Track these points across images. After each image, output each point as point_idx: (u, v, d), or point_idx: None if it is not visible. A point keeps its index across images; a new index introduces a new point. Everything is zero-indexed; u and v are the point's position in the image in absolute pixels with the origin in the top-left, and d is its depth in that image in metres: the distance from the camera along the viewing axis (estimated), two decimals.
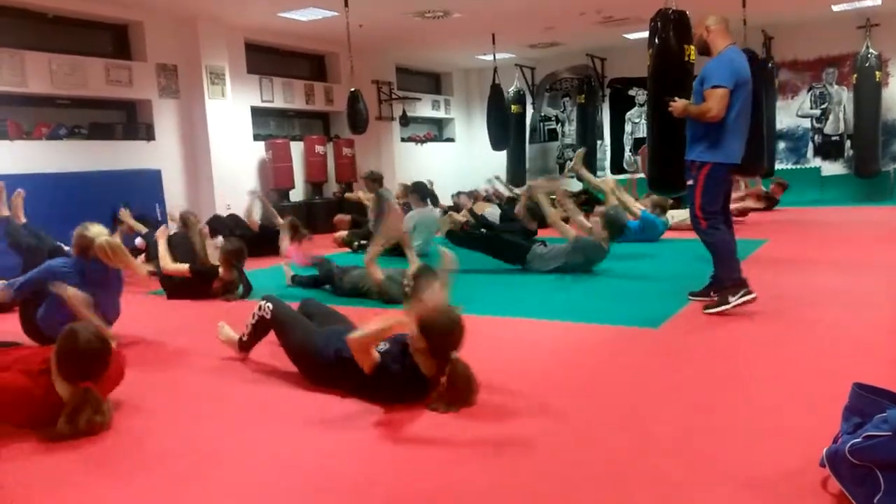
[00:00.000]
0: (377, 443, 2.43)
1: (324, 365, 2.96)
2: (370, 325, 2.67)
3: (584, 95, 12.11)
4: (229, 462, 2.33)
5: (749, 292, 3.99)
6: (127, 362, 2.98)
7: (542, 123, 13.90)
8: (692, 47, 4.33)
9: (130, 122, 8.64)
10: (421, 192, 7.63)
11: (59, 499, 2.11)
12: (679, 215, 7.76)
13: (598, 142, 12.60)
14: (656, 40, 4.42)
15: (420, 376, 2.72)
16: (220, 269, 5.26)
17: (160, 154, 8.61)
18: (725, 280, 4.08)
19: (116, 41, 8.58)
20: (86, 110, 8.23)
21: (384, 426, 2.56)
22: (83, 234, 3.72)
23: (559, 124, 13.75)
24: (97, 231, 3.72)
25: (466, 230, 6.55)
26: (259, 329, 3.37)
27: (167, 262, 5.26)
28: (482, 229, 7.45)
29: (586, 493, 1.99)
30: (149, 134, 8.57)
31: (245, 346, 3.49)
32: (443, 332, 2.68)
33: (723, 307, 3.99)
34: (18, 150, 7.31)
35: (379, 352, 2.75)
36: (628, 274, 5.63)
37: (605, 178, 7.27)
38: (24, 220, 5.45)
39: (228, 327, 3.63)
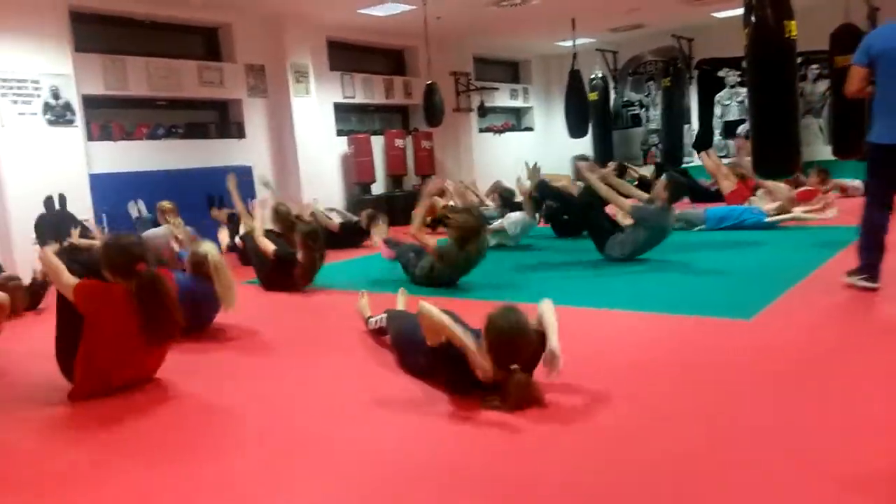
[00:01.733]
0: (461, 430, 2.50)
1: (416, 351, 3.04)
2: (446, 320, 2.69)
3: (669, 78, 11.82)
4: (318, 446, 2.46)
5: (871, 280, 3.90)
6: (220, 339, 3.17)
7: (624, 109, 13.64)
8: (793, 23, 4.16)
9: (223, 121, 9.03)
10: (505, 200, 7.75)
11: (163, 472, 2.29)
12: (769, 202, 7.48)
13: (686, 126, 12.30)
14: (752, 17, 4.25)
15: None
16: (299, 255, 5.37)
17: (250, 151, 8.98)
18: (860, 260, 4.03)
19: (208, 44, 8.98)
20: (181, 111, 8.67)
21: (467, 413, 2.62)
22: (200, 257, 3.97)
23: (643, 109, 13.46)
24: (208, 248, 3.99)
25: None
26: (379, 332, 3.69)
27: (260, 236, 5.49)
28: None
29: (671, 487, 2.00)
30: (240, 132, 8.94)
31: (368, 325, 3.82)
32: (500, 337, 2.59)
33: (851, 279, 3.99)
34: (121, 149, 7.77)
35: None
36: (721, 262, 5.43)
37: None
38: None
39: (367, 301, 3.98)
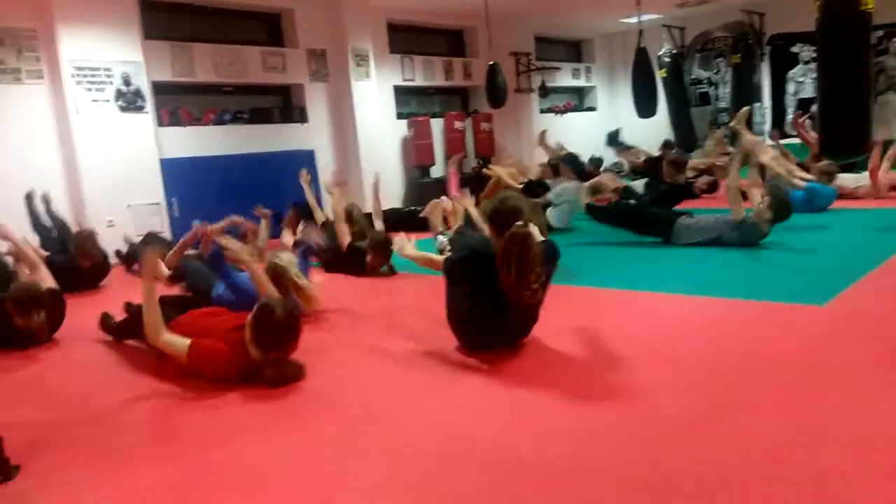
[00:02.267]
0: (526, 412, 2.51)
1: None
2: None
3: (739, 55, 11.41)
4: (387, 421, 2.52)
5: None
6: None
7: (692, 87, 13.24)
8: None
9: (286, 105, 9.17)
10: (573, 164, 7.57)
11: (253, 441, 2.36)
12: (849, 180, 7.20)
13: (757, 104, 11.87)
14: None
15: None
16: (369, 257, 5.42)
17: (312, 135, 9.10)
18: None
19: (271, 30, 9.10)
20: (246, 96, 8.84)
21: (534, 396, 2.64)
22: (275, 264, 3.91)
23: (712, 87, 13.03)
24: (287, 260, 3.99)
25: (612, 204, 6.34)
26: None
27: (340, 222, 5.60)
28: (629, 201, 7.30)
29: (738, 477, 1.95)
30: (302, 116, 9.07)
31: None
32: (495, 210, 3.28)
33: None
34: (190, 135, 7.98)
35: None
36: (790, 246, 5.23)
37: (765, 148, 6.67)
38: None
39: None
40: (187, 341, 2.97)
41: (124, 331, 3.78)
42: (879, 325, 3.22)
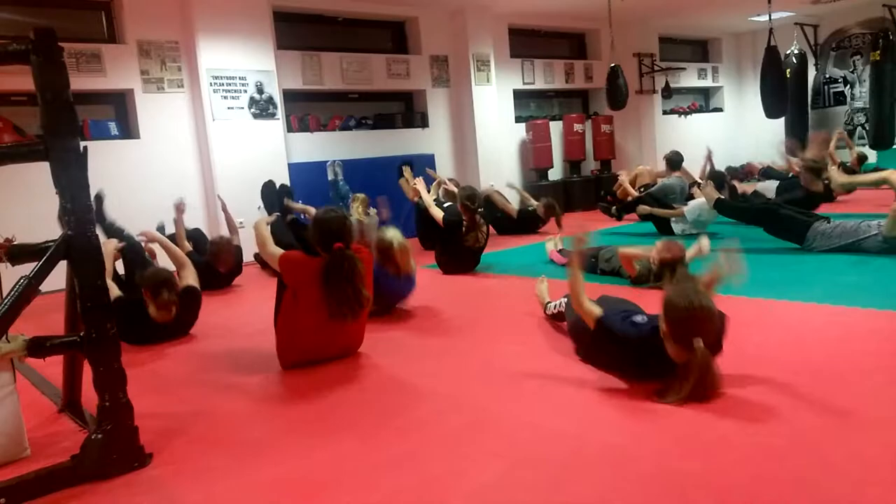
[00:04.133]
0: (636, 421, 2.46)
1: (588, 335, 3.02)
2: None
3: (878, 52, 10.68)
4: (494, 426, 2.53)
5: None
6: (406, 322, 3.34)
7: (826, 86, 12.52)
8: None
9: (408, 111, 9.41)
10: (718, 181, 7.30)
11: (368, 440, 2.44)
12: None
13: None
14: None
15: (658, 352, 2.62)
16: (463, 217, 5.63)
17: (433, 140, 9.30)
18: None
19: (395, 37, 9.38)
20: (371, 103, 9.14)
21: (644, 404, 2.57)
22: (382, 238, 4.29)
23: (847, 86, 12.28)
24: (393, 235, 4.28)
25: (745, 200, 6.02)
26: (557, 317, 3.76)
27: (431, 205, 5.84)
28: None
29: (870, 494, 1.85)
30: (423, 122, 9.28)
31: (546, 311, 3.88)
32: (678, 315, 2.53)
33: None
34: (317, 140, 8.35)
35: (636, 322, 2.79)
36: None
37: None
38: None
39: (546, 286, 4.05)
40: (281, 250, 3.38)
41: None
42: None
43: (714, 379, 2.55)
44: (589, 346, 3.07)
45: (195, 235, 6.29)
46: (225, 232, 6.29)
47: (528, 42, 10.69)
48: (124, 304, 4.04)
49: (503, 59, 10.00)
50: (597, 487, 2.03)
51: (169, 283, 4.14)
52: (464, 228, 5.65)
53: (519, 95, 10.52)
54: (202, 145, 7.37)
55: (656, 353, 2.65)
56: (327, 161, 7.96)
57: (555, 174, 10.68)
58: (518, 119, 10.51)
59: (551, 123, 10.47)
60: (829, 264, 4.89)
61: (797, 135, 11.02)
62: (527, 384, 2.97)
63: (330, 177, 7.88)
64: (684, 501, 1.92)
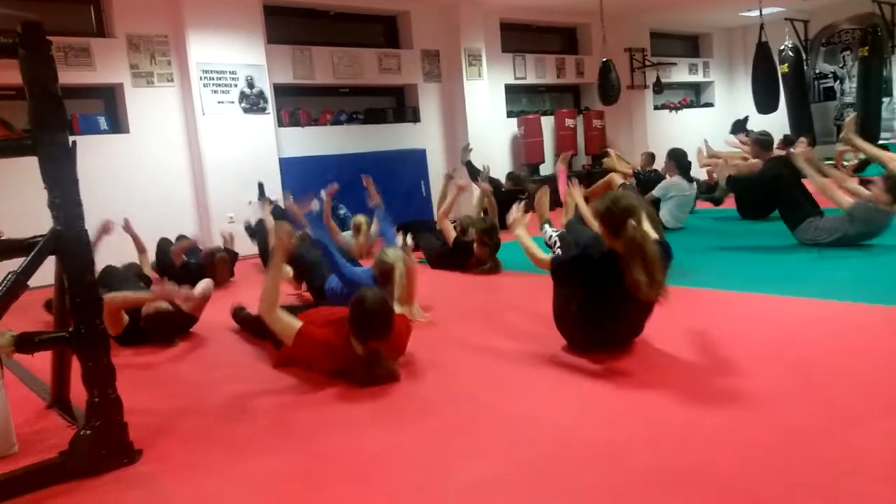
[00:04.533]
0: (632, 414, 2.46)
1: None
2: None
3: (866, 47, 10.75)
4: (488, 420, 2.53)
5: None
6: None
7: (816, 81, 12.56)
8: None
9: (399, 106, 9.39)
10: (679, 161, 7.32)
11: (363, 435, 2.44)
12: None
13: (886, 99, 11.13)
14: None
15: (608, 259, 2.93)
16: (475, 247, 5.46)
17: (424, 134, 9.28)
18: None
19: (387, 32, 9.35)
20: (362, 97, 9.12)
21: (640, 396, 2.58)
22: (383, 261, 3.92)
23: (837, 81, 12.33)
24: (395, 255, 3.94)
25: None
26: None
27: (444, 218, 5.71)
28: None
29: (853, 488, 1.86)
30: (415, 116, 9.27)
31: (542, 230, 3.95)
32: (607, 213, 2.94)
33: None
34: (308, 134, 8.32)
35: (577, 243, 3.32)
36: None
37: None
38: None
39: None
40: (299, 323, 3.07)
41: (249, 324, 4.00)
42: None
43: (652, 250, 2.81)
44: (561, 305, 3.21)
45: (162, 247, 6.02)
46: (217, 239, 6.20)
47: (519, 37, 10.68)
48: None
49: (495, 53, 9.98)
50: (589, 482, 2.03)
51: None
52: (473, 260, 5.48)
53: (510, 90, 10.51)
54: (192, 140, 7.33)
55: (605, 262, 2.94)
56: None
57: (546, 169, 10.68)
58: (510, 114, 10.51)
59: (543, 118, 10.48)
60: (815, 259, 4.92)
61: (800, 130, 11.06)
62: (519, 379, 2.97)
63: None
64: (678, 496, 1.92)
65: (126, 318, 3.87)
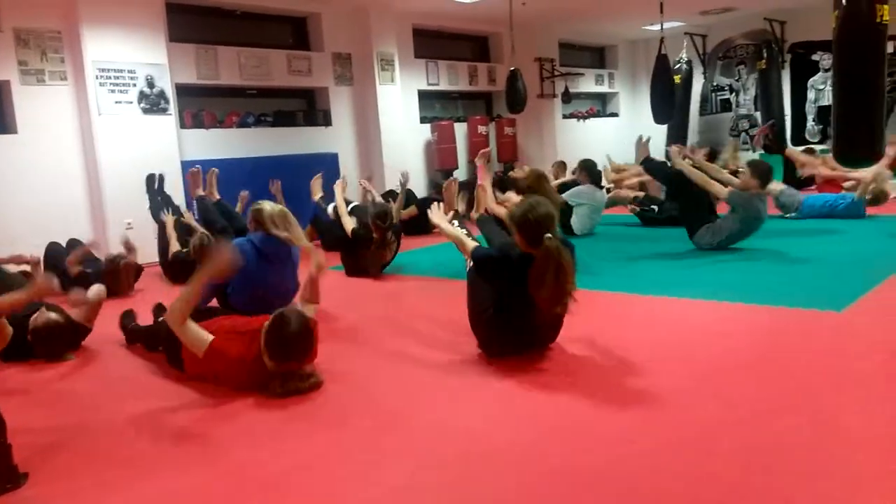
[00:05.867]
0: (544, 417, 2.48)
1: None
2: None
3: (764, 61, 11.41)
4: (400, 427, 2.50)
5: None
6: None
7: (713, 94, 13.18)
8: (885, 7, 3.97)
9: (310, 109, 9.20)
10: (590, 171, 7.49)
11: (272, 447, 2.34)
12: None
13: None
14: (843, 0, 4.10)
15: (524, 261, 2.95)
16: (373, 234, 5.51)
17: (336, 138, 9.13)
18: None
19: (296, 33, 9.15)
20: (270, 99, 8.88)
21: (551, 399, 2.60)
22: (257, 209, 4.02)
23: (733, 94, 12.97)
24: (268, 204, 4.05)
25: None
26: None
27: (344, 213, 5.78)
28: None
29: (757, 482, 1.92)
30: (326, 120, 9.10)
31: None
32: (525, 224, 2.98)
33: None
34: (213, 137, 8.03)
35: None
36: (811, 251, 5.30)
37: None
38: (217, 196, 5.86)
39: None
40: (210, 337, 2.93)
41: (140, 337, 3.77)
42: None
43: (567, 261, 2.87)
44: (477, 306, 3.23)
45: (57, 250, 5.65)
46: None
47: (432, 43, 10.69)
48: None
49: (407, 59, 9.95)
50: (504, 485, 2.01)
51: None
52: (373, 245, 5.55)
53: (423, 96, 10.50)
54: (87, 141, 6.93)
55: (522, 265, 2.95)
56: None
57: (460, 175, 10.72)
58: (423, 119, 10.49)
59: (456, 125, 10.52)
60: (712, 263, 5.16)
61: (677, 139, 11.55)
62: (433, 384, 2.94)
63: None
64: (590, 495, 1.93)
65: (10, 329, 3.52)
